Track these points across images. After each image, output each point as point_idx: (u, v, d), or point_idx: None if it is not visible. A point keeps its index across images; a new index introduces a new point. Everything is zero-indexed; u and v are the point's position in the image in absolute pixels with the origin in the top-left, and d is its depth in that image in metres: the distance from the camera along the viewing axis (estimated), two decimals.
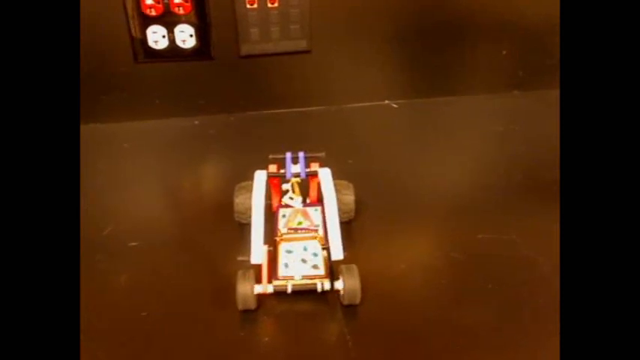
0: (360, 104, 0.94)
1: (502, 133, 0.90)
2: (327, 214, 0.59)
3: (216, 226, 0.70)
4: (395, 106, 0.95)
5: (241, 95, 0.92)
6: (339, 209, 0.66)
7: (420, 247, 0.67)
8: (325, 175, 0.62)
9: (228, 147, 0.86)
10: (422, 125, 0.92)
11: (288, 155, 0.63)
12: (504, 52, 0.94)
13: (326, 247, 0.57)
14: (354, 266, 0.58)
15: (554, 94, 0.93)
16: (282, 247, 0.62)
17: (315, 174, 0.64)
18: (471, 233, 0.68)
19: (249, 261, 0.58)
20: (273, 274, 0.59)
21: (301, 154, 0.63)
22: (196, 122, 0.91)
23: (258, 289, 0.57)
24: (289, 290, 0.58)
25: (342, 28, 0.89)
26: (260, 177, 0.63)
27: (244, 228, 0.67)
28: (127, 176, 0.79)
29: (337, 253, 0.57)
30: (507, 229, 0.68)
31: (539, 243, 0.66)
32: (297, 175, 0.63)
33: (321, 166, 0.65)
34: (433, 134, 0.89)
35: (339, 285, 0.57)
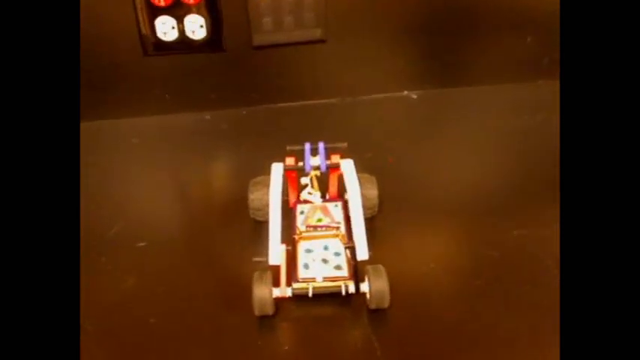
0: (378, 95, 0.87)
1: (527, 124, 0.82)
2: (350, 211, 0.53)
3: (230, 225, 0.63)
4: (414, 97, 0.88)
5: (254, 88, 0.85)
6: (362, 205, 0.59)
7: (449, 245, 0.60)
8: (348, 167, 0.55)
9: (241, 142, 0.79)
10: (442, 116, 0.85)
11: (307, 146, 0.56)
12: (529, 39, 0.87)
13: (349, 246, 0.51)
14: (380, 267, 0.51)
15: None
16: (302, 246, 0.55)
17: (336, 166, 0.57)
18: (504, 229, 0.61)
19: (266, 262, 0.51)
20: (292, 275, 0.52)
21: (321, 145, 0.56)
22: (208, 117, 0.84)
23: (276, 292, 0.50)
24: (310, 294, 0.51)
25: (358, 16, 0.82)
26: (277, 170, 0.56)
27: (260, 226, 0.61)
28: (135, 173, 0.73)
29: (362, 253, 0.50)
30: (542, 225, 0.61)
31: None
32: (316, 168, 0.56)
33: (343, 157, 0.58)
34: (454, 126, 0.82)
35: (364, 287, 0.51)
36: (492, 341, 0.49)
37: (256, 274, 0.50)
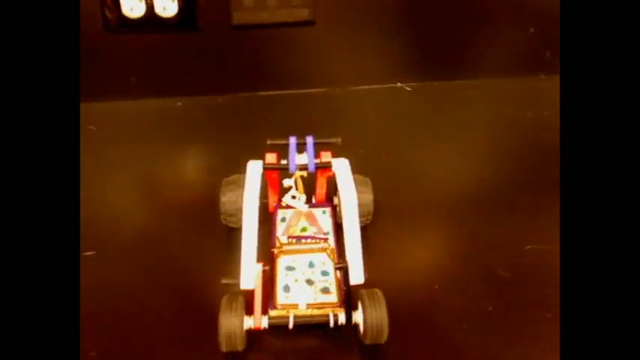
0: (370, 87, 0.76)
1: (528, 120, 0.71)
2: (344, 222, 0.41)
3: (198, 233, 0.51)
4: (408, 89, 0.76)
5: (232, 73, 0.73)
6: None
7: (454, 261, 0.49)
8: (342, 168, 0.43)
9: (216, 134, 0.67)
10: (438, 111, 0.74)
11: (292, 141, 0.44)
12: (531, 30, 0.76)
13: (340, 267, 0.39)
14: (378, 292, 0.39)
15: None
16: (282, 263, 0.43)
17: (327, 166, 0.45)
18: (514, 242, 0.50)
19: (237, 285, 0.39)
20: (269, 301, 0.40)
21: (309, 140, 0.44)
22: (179, 104, 0.72)
23: (249, 323, 0.39)
24: (291, 324, 0.39)
25: None
26: (254, 169, 0.43)
27: (233, 234, 0.49)
28: (89, 166, 0.59)
29: (357, 276, 0.39)
30: (550, 236, 0.51)
31: None
32: (303, 168, 0.44)
33: (334, 155, 0.46)
34: (451, 121, 0.71)
35: (357, 317, 0.39)
36: None
37: (225, 300, 0.38)
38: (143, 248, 0.49)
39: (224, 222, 0.49)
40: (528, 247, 0.50)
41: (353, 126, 0.69)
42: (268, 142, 0.44)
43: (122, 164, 0.61)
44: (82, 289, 0.44)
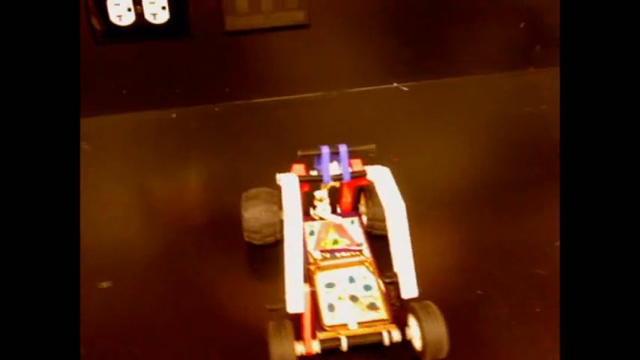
0: (366, 88, 0.73)
1: (527, 114, 0.70)
2: (393, 232, 0.37)
3: (217, 252, 0.46)
4: (405, 89, 0.74)
5: (227, 81, 0.68)
6: (377, 219, 0.45)
7: (485, 262, 0.46)
8: (384, 176, 0.40)
9: (216, 144, 0.62)
10: (435, 109, 0.71)
11: (326, 150, 0.40)
12: (522, 25, 0.75)
13: (392, 282, 0.36)
14: (430, 304, 0.36)
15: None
16: (320, 280, 0.40)
17: (362, 175, 0.41)
18: (540, 239, 0.48)
19: (283, 309, 0.35)
20: (315, 322, 0.37)
21: (343, 149, 0.40)
22: (174, 115, 0.67)
23: (300, 348, 0.35)
24: (345, 347, 0.36)
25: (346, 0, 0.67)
26: (291, 184, 0.39)
27: (259, 252, 0.45)
28: (88, 189, 0.54)
29: (411, 289, 0.36)
30: None
31: None
32: (337, 179, 0.41)
33: (364, 163, 0.42)
34: (448, 118, 0.69)
35: (412, 332, 0.36)
36: None
37: (272, 326, 0.35)
38: (160, 274, 0.44)
39: (247, 239, 0.45)
40: (557, 243, 0.48)
41: (352, 128, 0.66)
42: (299, 153, 0.40)
43: (122, 184, 0.55)
44: (101, 321, 0.40)
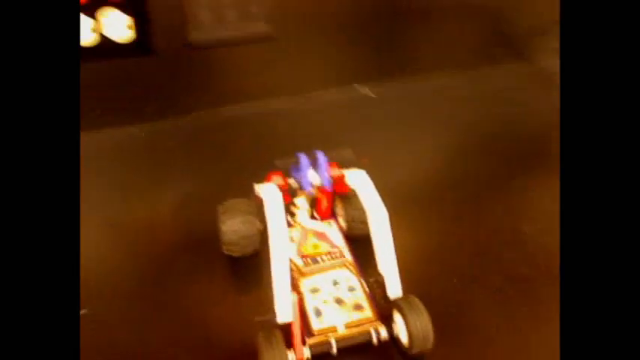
0: (333, 92, 0.74)
1: (487, 110, 0.73)
2: (376, 233, 0.38)
3: (197, 270, 0.46)
4: (372, 95, 0.75)
5: (194, 95, 0.68)
6: (355, 221, 0.45)
7: (461, 252, 0.48)
8: (362, 179, 0.41)
9: (187, 158, 0.61)
10: (402, 109, 0.73)
11: (304, 159, 0.40)
12: (476, 24, 0.78)
13: (376, 281, 0.37)
14: (414, 298, 0.37)
15: (524, 66, 0.79)
16: (305, 286, 0.40)
17: (341, 181, 0.42)
18: (511, 225, 0.50)
19: (272, 319, 0.36)
20: (303, 329, 0.37)
21: (321, 156, 0.41)
22: (142, 132, 0.66)
23: (291, 357, 0.35)
24: (334, 349, 0.36)
25: (309, 8, 0.68)
26: (273, 194, 0.39)
27: (236, 264, 0.45)
28: None
29: (395, 288, 0.37)
30: (543, 216, 0.52)
31: None
32: (317, 186, 0.41)
33: (340, 168, 0.43)
34: (416, 118, 0.70)
35: (398, 328, 0.37)
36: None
37: (262, 337, 0.35)
38: (142, 298, 0.43)
39: (226, 252, 0.45)
40: (524, 229, 0.50)
41: (322, 134, 0.66)
42: (276, 162, 0.40)
43: (92, 206, 0.54)
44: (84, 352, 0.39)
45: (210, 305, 0.42)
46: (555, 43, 0.83)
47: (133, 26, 0.60)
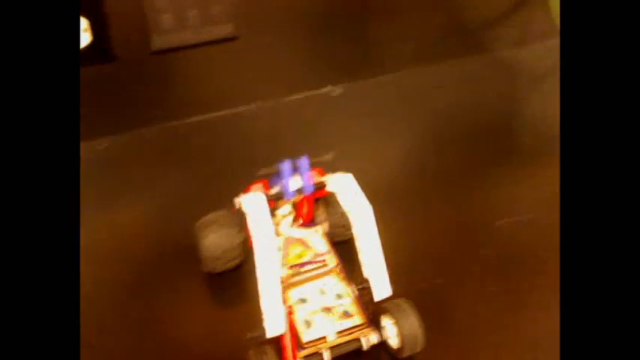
0: (302, 94, 0.72)
1: (453, 102, 0.74)
2: (362, 236, 0.37)
3: (174, 288, 0.44)
4: (338, 91, 0.75)
5: (158, 103, 0.65)
6: (337, 226, 0.45)
7: (437, 249, 0.48)
8: (349, 184, 0.39)
9: (152, 172, 0.59)
10: (371, 107, 0.73)
11: (287, 166, 0.39)
12: (438, 20, 0.79)
13: (364, 287, 0.36)
14: (403, 302, 0.37)
15: (487, 57, 0.81)
16: (292, 297, 0.40)
17: (323, 186, 0.41)
18: (486, 219, 0.51)
19: (262, 335, 0.35)
20: (295, 342, 0.36)
21: (304, 161, 0.40)
22: (103, 146, 0.63)
23: None
24: (327, 359, 0.36)
25: (273, 8, 0.66)
26: (259, 203, 0.38)
27: (216, 279, 0.44)
28: None
29: (383, 289, 0.36)
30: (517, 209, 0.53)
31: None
32: (299, 193, 0.40)
33: (323, 174, 0.42)
34: (385, 114, 0.70)
35: (388, 333, 0.37)
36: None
37: (253, 354, 0.34)
38: (114, 321, 0.41)
39: (206, 269, 0.44)
40: (497, 222, 0.51)
41: (294, 136, 0.66)
42: (261, 172, 0.39)
43: None
44: None
45: (191, 324, 0.41)
46: (513, 33, 0.86)
47: (89, 29, 0.57)
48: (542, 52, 0.82)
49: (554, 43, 0.83)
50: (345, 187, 0.39)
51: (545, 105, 0.71)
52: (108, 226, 0.52)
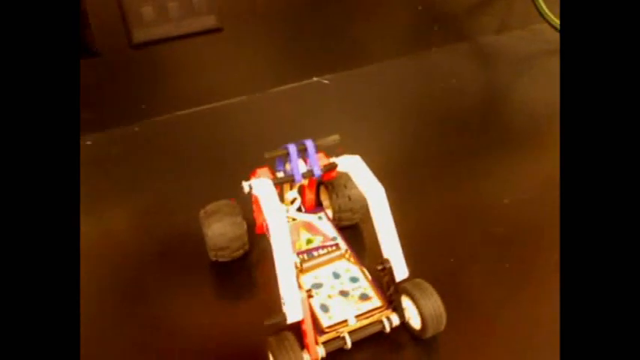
0: (289, 85, 0.71)
1: (437, 89, 0.73)
2: (377, 218, 0.36)
3: (181, 280, 0.42)
4: (326, 82, 0.74)
5: (142, 98, 0.63)
6: (343, 210, 0.44)
7: (448, 230, 0.48)
8: (358, 165, 0.39)
9: (142, 168, 0.57)
10: (358, 96, 0.72)
11: (293, 149, 0.38)
12: (420, 8, 0.79)
13: (384, 267, 0.35)
14: (423, 282, 0.36)
15: (467, 46, 0.81)
16: (305, 283, 0.38)
17: (333, 168, 0.40)
18: (494, 199, 0.51)
19: (283, 321, 0.33)
20: (315, 328, 0.35)
21: (310, 144, 0.38)
22: (89, 142, 0.61)
23: (306, 357, 0.33)
24: (349, 344, 0.35)
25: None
26: (267, 188, 0.36)
27: (223, 268, 0.42)
28: None
29: (402, 271, 0.36)
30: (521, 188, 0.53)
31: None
32: (308, 176, 0.39)
33: (327, 156, 0.41)
34: (372, 103, 0.70)
35: (409, 313, 0.36)
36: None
37: (273, 342, 0.33)
38: (122, 317, 0.40)
39: (214, 258, 0.42)
40: (505, 200, 0.51)
41: (283, 126, 0.64)
42: (266, 155, 0.37)
43: None
44: None
45: (201, 316, 0.39)
46: (494, 21, 0.87)
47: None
48: (525, 37, 0.84)
49: (536, 28, 0.85)
50: (357, 167, 0.38)
51: (531, 88, 0.72)
52: (97, 225, 0.49)
